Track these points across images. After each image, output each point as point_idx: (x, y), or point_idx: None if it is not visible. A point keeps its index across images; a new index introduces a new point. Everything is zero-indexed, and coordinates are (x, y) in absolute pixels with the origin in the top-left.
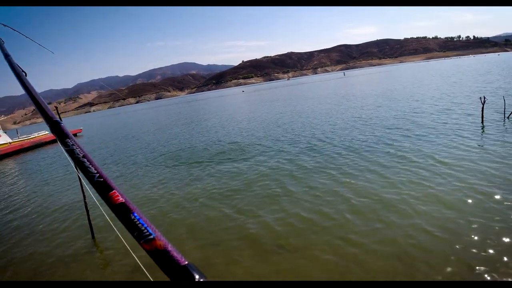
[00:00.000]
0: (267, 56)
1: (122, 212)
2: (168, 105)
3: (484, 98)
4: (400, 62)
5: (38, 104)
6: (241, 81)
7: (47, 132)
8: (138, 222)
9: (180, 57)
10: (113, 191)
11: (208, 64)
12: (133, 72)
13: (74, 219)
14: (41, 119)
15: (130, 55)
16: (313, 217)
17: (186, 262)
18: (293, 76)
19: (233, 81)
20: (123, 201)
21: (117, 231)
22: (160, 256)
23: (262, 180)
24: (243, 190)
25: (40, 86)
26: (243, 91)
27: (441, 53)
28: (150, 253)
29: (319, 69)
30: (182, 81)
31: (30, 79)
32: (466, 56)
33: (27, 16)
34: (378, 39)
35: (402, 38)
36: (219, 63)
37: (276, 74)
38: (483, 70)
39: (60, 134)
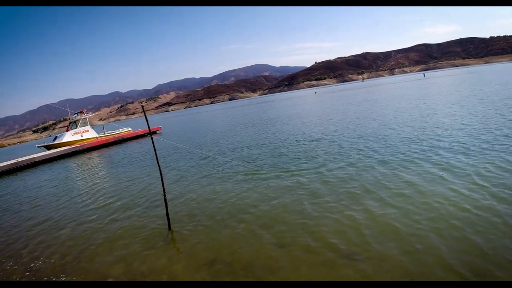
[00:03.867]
0: (341, 57)
1: None
2: (239, 106)
3: None
4: (486, 63)
5: None
6: (313, 82)
7: (130, 129)
8: None
9: (253, 59)
10: None
11: (281, 66)
12: (209, 74)
13: (153, 209)
14: (124, 117)
15: (206, 58)
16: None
17: None
18: (368, 77)
19: (305, 82)
20: None
21: (194, 226)
22: None
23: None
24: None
25: (124, 86)
26: (315, 92)
27: None
28: None
29: (396, 70)
30: (255, 82)
31: (118, 80)
32: None
33: (105, 21)
34: (462, 37)
35: (488, 36)
36: (292, 65)
37: (350, 75)
38: None
39: None
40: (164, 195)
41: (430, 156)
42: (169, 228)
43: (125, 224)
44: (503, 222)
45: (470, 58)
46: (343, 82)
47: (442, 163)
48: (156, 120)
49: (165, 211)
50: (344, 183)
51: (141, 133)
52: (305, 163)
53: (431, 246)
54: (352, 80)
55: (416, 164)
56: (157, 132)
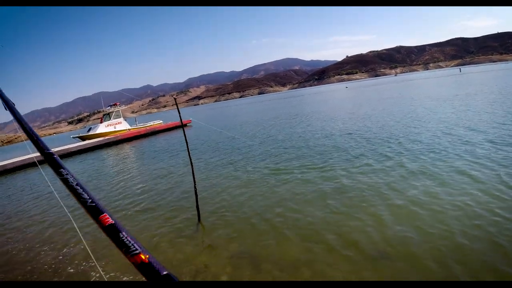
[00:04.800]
0: (373, 51)
1: (112, 232)
2: (268, 101)
3: None
4: None
5: (31, 136)
6: (344, 77)
7: (161, 121)
8: (126, 240)
9: (283, 53)
10: (104, 214)
11: (311, 60)
12: (239, 68)
13: (182, 200)
14: (155, 110)
15: (236, 52)
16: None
17: (166, 272)
18: (401, 72)
19: (336, 76)
20: (113, 222)
21: (222, 219)
22: (144, 268)
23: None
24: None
25: (156, 79)
26: (346, 87)
27: None
28: (136, 265)
29: (431, 65)
30: (285, 76)
31: (150, 74)
32: None
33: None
34: (499, 31)
35: None
36: (322, 59)
37: (382, 70)
38: None
39: (54, 164)
40: (195, 187)
41: (460, 156)
42: (199, 219)
43: (154, 214)
44: None
45: (508, 54)
46: (375, 76)
47: (472, 164)
48: (186, 113)
49: (195, 203)
50: (371, 181)
51: (173, 125)
52: (333, 160)
53: (459, 248)
54: (384, 74)
55: (445, 162)
56: (187, 125)
